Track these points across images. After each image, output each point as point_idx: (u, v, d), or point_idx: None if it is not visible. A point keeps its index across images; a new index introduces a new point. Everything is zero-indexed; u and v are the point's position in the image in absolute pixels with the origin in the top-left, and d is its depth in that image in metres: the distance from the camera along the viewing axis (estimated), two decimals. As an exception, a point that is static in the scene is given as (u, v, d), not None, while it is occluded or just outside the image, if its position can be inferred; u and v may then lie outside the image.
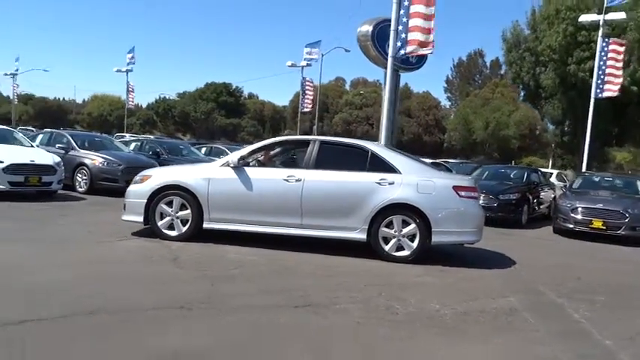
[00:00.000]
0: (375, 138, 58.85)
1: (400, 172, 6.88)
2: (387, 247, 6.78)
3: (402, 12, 12.64)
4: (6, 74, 47.15)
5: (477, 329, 4.18)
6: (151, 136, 29.20)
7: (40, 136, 14.34)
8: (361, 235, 6.80)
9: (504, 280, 6.31)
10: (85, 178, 12.47)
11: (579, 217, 11.25)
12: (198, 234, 7.03)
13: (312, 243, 6.99)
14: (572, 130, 27.29)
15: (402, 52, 12.78)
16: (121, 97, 75.91)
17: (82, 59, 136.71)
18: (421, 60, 20.30)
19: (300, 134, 44.20)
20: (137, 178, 7.44)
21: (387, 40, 13.69)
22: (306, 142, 7.24)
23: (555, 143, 34.16)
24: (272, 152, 7.51)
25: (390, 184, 6.79)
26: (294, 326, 3.98)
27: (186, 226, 7.05)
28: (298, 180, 6.86)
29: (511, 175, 14.61)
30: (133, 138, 23.34)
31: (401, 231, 6.76)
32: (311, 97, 33.93)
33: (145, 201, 7.09)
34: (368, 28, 17.99)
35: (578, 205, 11.44)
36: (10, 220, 8.08)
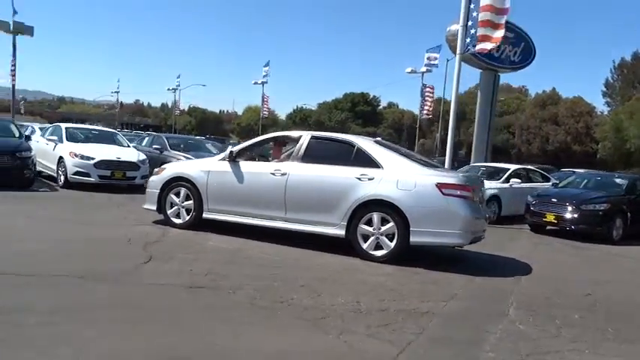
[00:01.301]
0: (514, 147, 54.43)
1: (382, 168, 6.57)
2: (365, 245, 6.52)
3: (472, 6, 11.87)
4: (168, 89, 54.23)
5: (338, 325, 3.86)
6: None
7: (146, 138, 16.36)
8: (340, 232, 6.63)
9: (476, 287, 5.68)
10: (171, 175, 13.89)
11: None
12: (199, 223, 7.46)
13: (312, 238, 6.89)
14: None
15: (471, 48, 11.98)
16: (270, 108, 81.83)
17: (242, 74, 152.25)
18: (527, 58, 18.91)
19: (417, 143, 43.14)
20: (156, 170, 8.19)
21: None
22: (298, 137, 7.28)
23: None
24: (263, 147, 7.70)
25: (369, 179, 6.54)
26: (160, 302, 4.13)
27: (189, 215, 7.57)
28: (283, 174, 6.95)
29: (611, 185, 12.68)
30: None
31: (379, 229, 6.45)
32: (431, 104, 33.00)
33: (158, 191, 7.78)
34: (457, 27, 17.15)
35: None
36: (74, 206, 9.46)
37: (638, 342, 4.21)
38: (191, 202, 7.54)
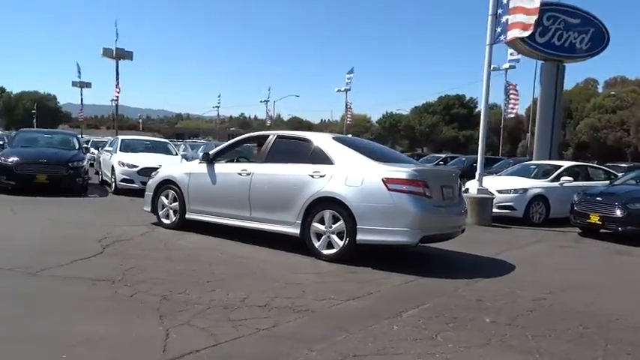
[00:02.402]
0: (629, 145, 49.02)
1: (334, 164, 6.39)
2: (317, 244, 6.37)
3: (501, -8, 11.07)
4: (261, 101, 56.71)
5: (184, 318, 3.82)
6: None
7: (202, 146, 17.37)
8: (295, 230, 6.54)
9: (405, 288, 5.27)
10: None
11: None
12: (185, 224, 7.75)
13: (292, 239, 6.78)
14: None
15: (502, 38, 11.15)
16: (366, 115, 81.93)
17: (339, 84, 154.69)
18: (598, 45, 17.14)
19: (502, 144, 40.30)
20: (153, 173, 8.68)
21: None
22: (266, 137, 7.32)
23: None
24: (240, 148, 7.81)
25: (321, 176, 6.39)
26: (38, 292, 4.41)
27: (176, 216, 7.91)
28: (248, 174, 7.03)
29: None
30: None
31: (331, 227, 6.26)
32: (516, 102, 30.91)
33: (152, 193, 8.24)
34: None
35: None
36: (100, 209, 10.37)
37: (516, 351, 3.65)
38: (177, 203, 7.88)
